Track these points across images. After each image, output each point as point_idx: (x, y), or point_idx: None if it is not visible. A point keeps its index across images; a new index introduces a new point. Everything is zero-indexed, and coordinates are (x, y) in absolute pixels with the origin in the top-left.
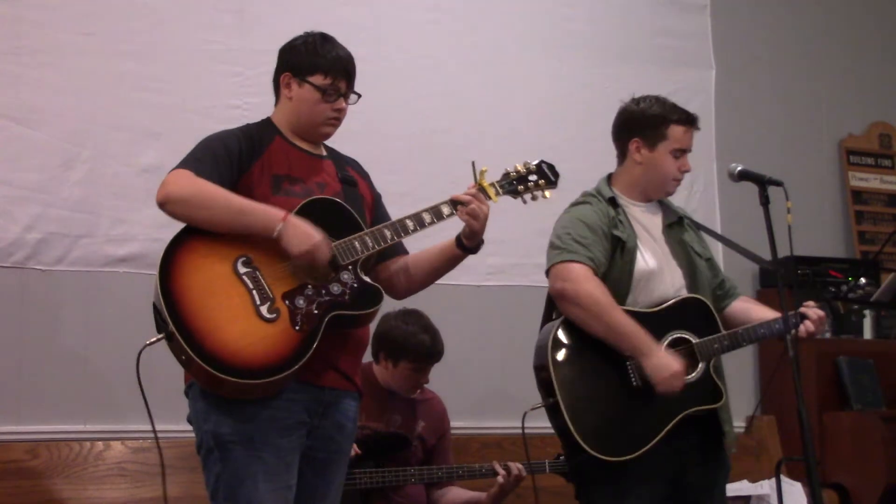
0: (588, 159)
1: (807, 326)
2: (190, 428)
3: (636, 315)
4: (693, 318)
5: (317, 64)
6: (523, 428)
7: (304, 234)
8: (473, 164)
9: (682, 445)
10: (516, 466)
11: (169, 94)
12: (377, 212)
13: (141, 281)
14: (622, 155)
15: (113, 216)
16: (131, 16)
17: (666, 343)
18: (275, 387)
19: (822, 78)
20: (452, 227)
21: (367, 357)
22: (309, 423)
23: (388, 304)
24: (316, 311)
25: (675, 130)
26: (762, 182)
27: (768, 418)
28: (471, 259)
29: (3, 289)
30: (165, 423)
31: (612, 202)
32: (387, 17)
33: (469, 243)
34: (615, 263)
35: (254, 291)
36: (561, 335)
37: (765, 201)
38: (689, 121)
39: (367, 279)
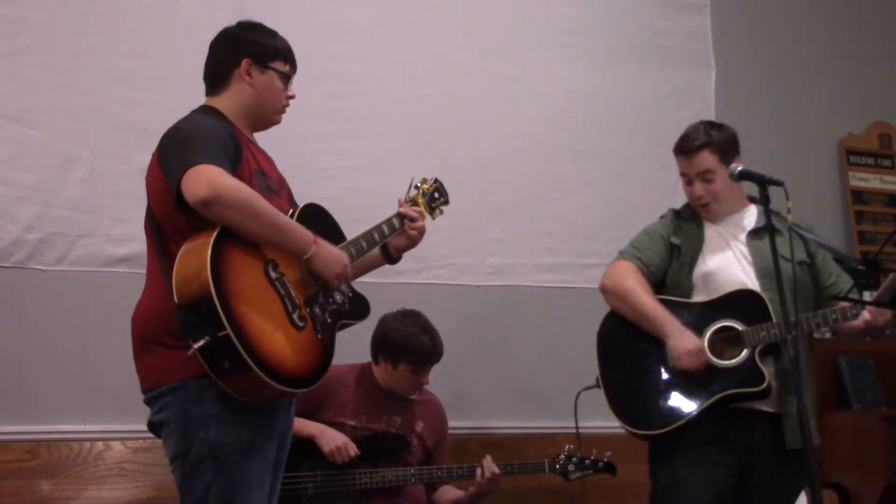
0: (587, 159)
1: (863, 317)
2: None
3: (686, 304)
4: (744, 309)
5: (277, 50)
6: (576, 410)
7: (335, 258)
8: (413, 180)
9: (751, 439)
10: (490, 469)
11: (168, 94)
12: None
13: (141, 281)
14: None
15: (113, 216)
16: (131, 16)
17: (712, 330)
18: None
19: (822, 78)
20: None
21: (367, 357)
22: (282, 427)
23: (388, 306)
24: (329, 320)
25: (677, 159)
26: (762, 182)
27: None
28: (471, 259)
29: (3, 289)
30: None
31: (678, 215)
32: (386, 17)
33: (399, 255)
34: (673, 267)
35: (285, 298)
36: (607, 322)
37: (765, 201)
38: (677, 150)
39: (355, 289)
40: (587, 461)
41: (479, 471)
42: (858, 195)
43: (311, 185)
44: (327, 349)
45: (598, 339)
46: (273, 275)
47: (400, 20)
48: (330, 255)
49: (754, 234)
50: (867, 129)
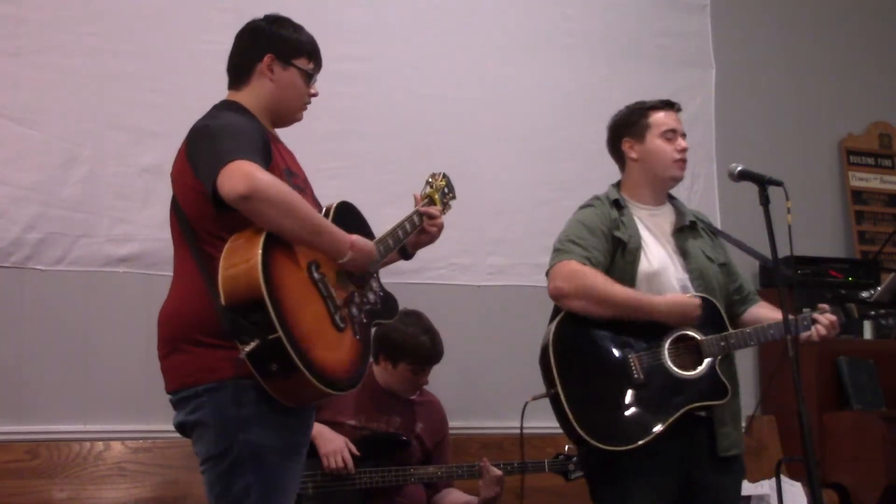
0: (587, 159)
1: (818, 330)
2: None
3: None
4: (701, 317)
5: (301, 47)
6: (522, 420)
7: (369, 256)
8: (431, 177)
9: (692, 445)
10: (492, 473)
11: (169, 94)
12: None
13: (141, 281)
14: (621, 162)
15: (113, 216)
16: (131, 16)
17: (671, 339)
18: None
19: (822, 78)
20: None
21: None
22: (311, 428)
23: None
24: (365, 321)
25: (656, 116)
26: (762, 182)
27: (768, 418)
28: (471, 259)
29: (3, 289)
30: (164, 423)
31: (616, 204)
32: (386, 17)
33: (414, 251)
34: (617, 264)
35: (328, 300)
36: (562, 330)
37: (765, 201)
38: (665, 104)
39: (386, 288)
40: None
41: (481, 483)
42: (858, 195)
43: (311, 185)
44: (365, 350)
45: (553, 348)
46: (316, 276)
47: (400, 20)
48: (365, 256)
49: (680, 231)
50: (867, 129)
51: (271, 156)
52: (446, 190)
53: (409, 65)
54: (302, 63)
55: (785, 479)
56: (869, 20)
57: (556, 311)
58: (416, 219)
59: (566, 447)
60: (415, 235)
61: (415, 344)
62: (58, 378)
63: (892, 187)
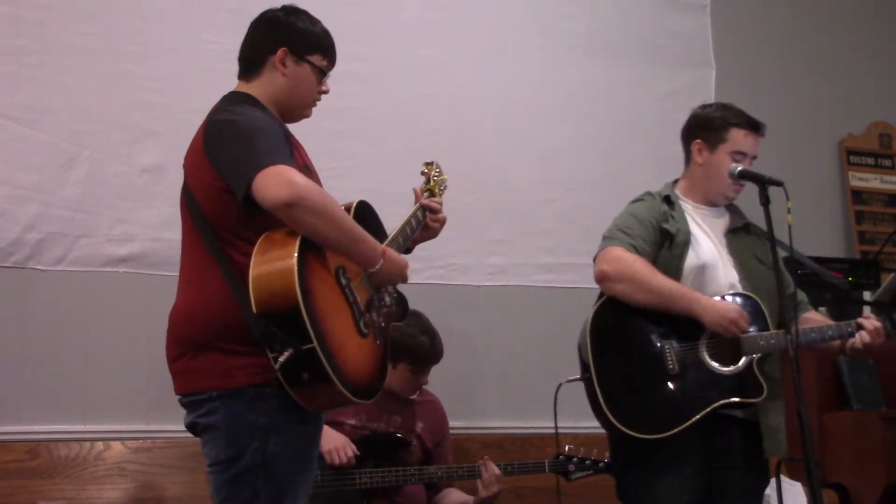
0: (587, 159)
1: (862, 337)
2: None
3: None
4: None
5: (318, 43)
6: (555, 404)
7: (399, 270)
8: (425, 165)
9: (724, 444)
10: (492, 471)
11: (169, 94)
12: None
13: (141, 281)
14: (687, 157)
15: (113, 216)
16: (131, 16)
17: (711, 333)
18: None
19: (822, 78)
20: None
21: None
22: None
23: None
24: (383, 325)
25: (736, 133)
26: (762, 182)
27: None
28: (471, 259)
29: (3, 289)
30: (164, 423)
31: (667, 200)
32: (386, 16)
33: (413, 246)
34: (663, 256)
35: (353, 306)
36: (602, 315)
37: (765, 201)
38: (751, 125)
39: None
40: (588, 461)
41: (479, 483)
42: (858, 195)
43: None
44: (385, 356)
45: (591, 329)
46: (343, 281)
47: (400, 20)
48: (394, 267)
49: (732, 233)
50: (867, 129)
51: (293, 155)
52: (440, 176)
53: (409, 65)
54: (316, 59)
55: (785, 479)
56: (868, 20)
57: (600, 295)
58: (420, 214)
59: (566, 447)
60: (418, 232)
61: (414, 344)
62: (58, 378)
63: (892, 187)
